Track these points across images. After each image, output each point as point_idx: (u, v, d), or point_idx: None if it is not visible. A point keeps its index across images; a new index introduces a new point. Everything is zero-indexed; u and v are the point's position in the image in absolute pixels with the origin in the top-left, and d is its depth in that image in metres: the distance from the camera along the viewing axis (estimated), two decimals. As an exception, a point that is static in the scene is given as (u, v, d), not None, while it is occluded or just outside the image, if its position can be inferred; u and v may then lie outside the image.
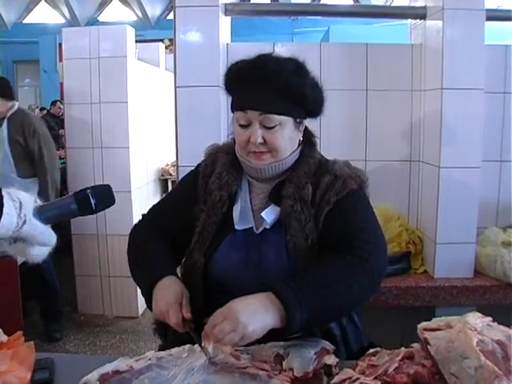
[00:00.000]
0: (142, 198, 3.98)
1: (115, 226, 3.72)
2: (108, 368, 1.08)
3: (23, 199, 0.88)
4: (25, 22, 13.53)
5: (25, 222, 0.86)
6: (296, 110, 1.31)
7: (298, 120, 1.33)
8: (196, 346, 1.11)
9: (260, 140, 1.28)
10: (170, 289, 1.24)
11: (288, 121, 1.30)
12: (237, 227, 1.36)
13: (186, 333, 1.18)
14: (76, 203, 0.96)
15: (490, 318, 1.10)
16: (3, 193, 0.85)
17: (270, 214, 1.34)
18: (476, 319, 1.07)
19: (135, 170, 3.87)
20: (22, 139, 3.32)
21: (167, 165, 4.93)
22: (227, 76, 1.36)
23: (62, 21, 13.10)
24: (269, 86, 1.26)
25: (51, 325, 3.60)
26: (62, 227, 3.30)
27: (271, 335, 1.14)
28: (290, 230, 1.31)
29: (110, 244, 3.80)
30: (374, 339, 1.45)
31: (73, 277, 3.91)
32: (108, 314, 3.90)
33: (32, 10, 13.45)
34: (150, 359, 1.10)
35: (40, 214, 0.91)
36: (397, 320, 2.30)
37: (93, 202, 0.97)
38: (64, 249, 3.74)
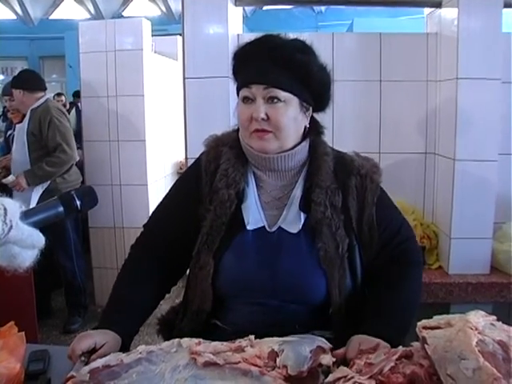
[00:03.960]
0: (158, 191, 3.99)
1: (132, 218, 3.74)
2: (99, 363, 1.06)
3: (8, 205, 0.87)
4: (51, 18, 13.70)
5: (11, 227, 0.86)
6: (301, 90, 1.26)
7: (304, 103, 1.28)
8: (183, 340, 1.08)
9: (263, 115, 1.22)
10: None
11: (293, 100, 1.25)
12: (248, 228, 1.31)
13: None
14: (62, 205, 1.00)
15: (493, 317, 1.04)
16: None
17: (295, 224, 1.30)
18: (478, 318, 1.01)
19: (152, 164, 3.88)
20: (37, 130, 3.37)
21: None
22: (233, 58, 1.32)
23: (88, 16, 13.24)
24: (273, 60, 1.23)
25: (71, 317, 3.67)
26: (81, 220, 3.34)
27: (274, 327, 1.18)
28: (320, 237, 1.26)
29: (126, 237, 3.82)
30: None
31: (90, 269, 3.94)
32: (125, 306, 3.91)
33: (58, 6, 13.60)
34: (140, 353, 1.08)
35: (26, 218, 0.91)
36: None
37: (78, 203, 1.02)
38: (82, 242, 3.79)
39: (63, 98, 7.58)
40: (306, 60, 1.24)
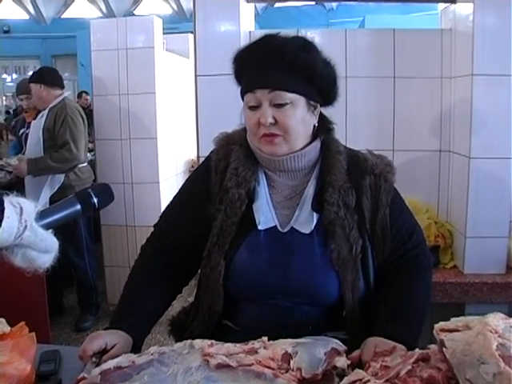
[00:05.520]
0: (170, 189, 3.98)
1: (144, 217, 3.74)
2: (110, 364, 1.05)
3: (23, 205, 0.87)
4: (63, 17, 13.77)
5: (26, 228, 0.85)
6: (307, 89, 1.23)
7: (311, 102, 1.25)
8: (196, 342, 1.06)
9: (271, 120, 1.20)
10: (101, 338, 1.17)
11: (300, 100, 1.22)
12: (260, 227, 1.28)
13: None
14: (79, 203, 0.99)
15: (513, 319, 1.02)
16: (4, 197, 0.84)
17: (307, 224, 1.28)
18: (498, 320, 0.98)
19: (163, 161, 3.88)
20: (52, 127, 3.39)
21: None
22: (234, 62, 1.29)
23: (99, 15, 13.29)
24: (275, 62, 1.20)
25: (83, 316, 3.69)
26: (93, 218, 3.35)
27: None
28: (334, 238, 1.24)
29: (138, 235, 3.82)
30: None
31: (102, 267, 3.95)
32: (136, 304, 3.91)
33: (70, 5, 13.67)
34: (152, 354, 1.07)
35: (43, 218, 0.90)
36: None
37: (95, 200, 1.01)
38: (94, 240, 3.80)
39: (88, 97, 7.50)
40: (310, 58, 1.21)
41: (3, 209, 0.82)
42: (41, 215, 0.90)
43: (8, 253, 0.88)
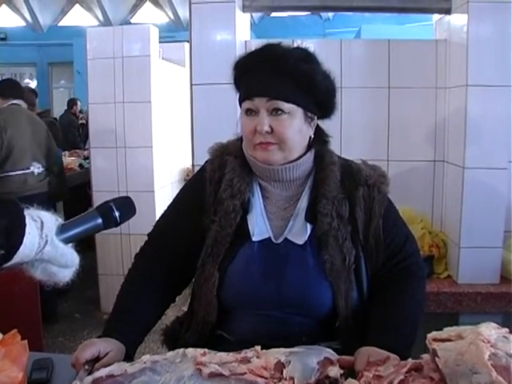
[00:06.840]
0: (165, 197, 3.97)
1: (138, 225, 3.66)
2: (102, 372, 1.05)
3: (44, 218, 0.86)
4: (60, 24, 13.80)
5: (46, 243, 0.84)
6: (305, 100, 1.24)
7: (308, 114, 1.26)
8: (188, 350, 1.06)
9: (267, 128, 1.20)
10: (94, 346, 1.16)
11: (297, 111, 1.23)
12: (254, 239, 1.29)
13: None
14: (100, 217, 0.96)
15: (506, 330, 1.01)
16: (25, 213, 0.83)
17: (301, 235, 1.28)
18: (490, 330, 0.99)
19: (159, 170, 3.88)
20: None
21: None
22: (235, 69, 1.30)
23: (96, 23, 13.32)
24: (276, 71, 1.20)
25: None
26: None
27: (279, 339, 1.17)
28: (327, 249, 1.24)
29: (133, 243, 3.79)
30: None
31: (96, 276, 3.93)
32: (130, 313, 3.89)
33: (67, 13, 13.71)
34: (144, 363, 1.06)
35: (63, 232, 0.89)
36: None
37: (117, 214, 0.99)
38: (87, 248, 3.78)
39: (78, 103, 7.33)
40: (309, 70, 1.22)
41: (25, 225, 0.81)
42: (61, 229, 0.89)
43: (28, 267, 0.87)
